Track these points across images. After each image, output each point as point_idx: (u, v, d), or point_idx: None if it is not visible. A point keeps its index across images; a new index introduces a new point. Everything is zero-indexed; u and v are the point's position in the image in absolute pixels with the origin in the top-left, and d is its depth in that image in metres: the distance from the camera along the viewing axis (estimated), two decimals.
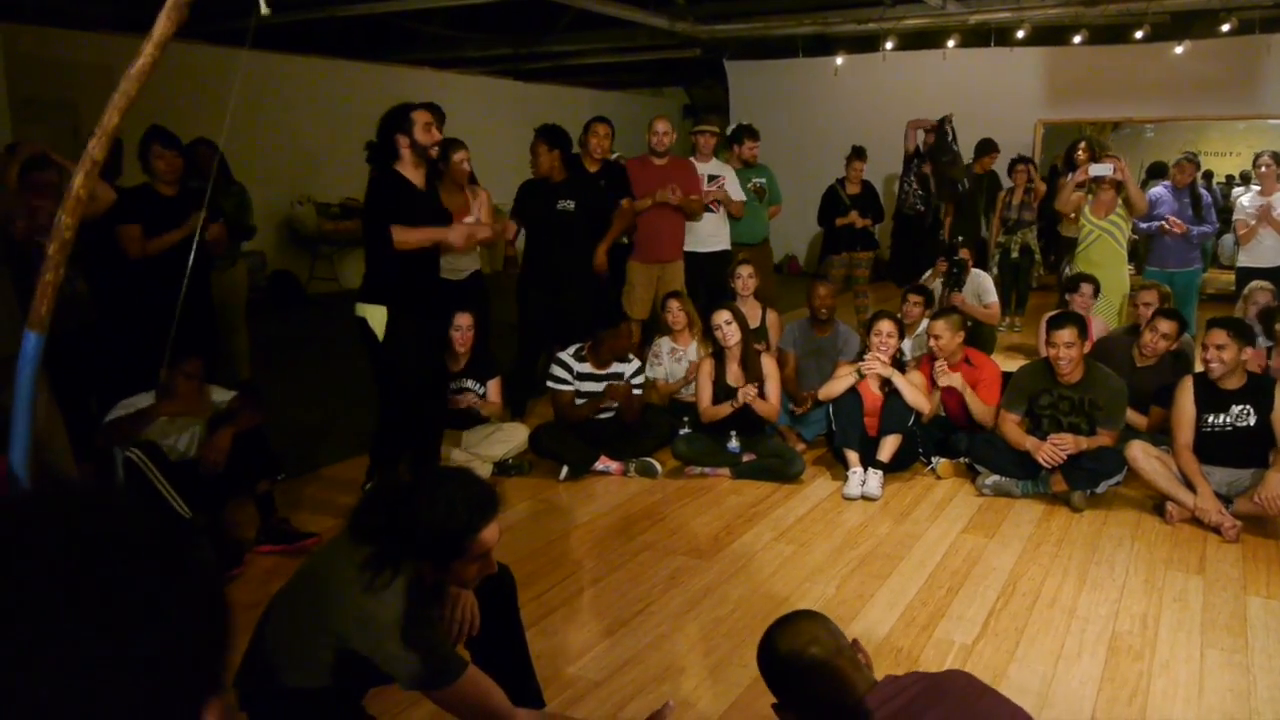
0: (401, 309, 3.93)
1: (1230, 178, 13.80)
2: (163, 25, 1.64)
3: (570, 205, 5.26)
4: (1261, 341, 5.06)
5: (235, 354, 5.87)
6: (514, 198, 5.57)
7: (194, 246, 3.53)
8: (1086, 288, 5.87)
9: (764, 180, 6.91)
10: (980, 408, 4.74)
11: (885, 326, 4.78)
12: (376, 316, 3.92)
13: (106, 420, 3.71)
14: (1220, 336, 4.09)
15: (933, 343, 4.83)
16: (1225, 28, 9.11)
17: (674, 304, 5.44)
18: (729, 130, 7.66)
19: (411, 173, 3.88)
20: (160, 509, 3.58)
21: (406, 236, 3.85)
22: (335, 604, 1.98)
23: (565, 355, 4.92)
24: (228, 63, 8.87)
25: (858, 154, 7.64)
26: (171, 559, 0.63)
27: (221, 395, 4.07)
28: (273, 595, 2.22)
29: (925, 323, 5.71)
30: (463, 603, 2.25)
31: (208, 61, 8.00)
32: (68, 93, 7.64)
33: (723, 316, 4.78)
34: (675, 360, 5.44)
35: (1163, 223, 6.70)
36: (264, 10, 2.06)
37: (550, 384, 4.93)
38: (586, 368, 4.90)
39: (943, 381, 4.78)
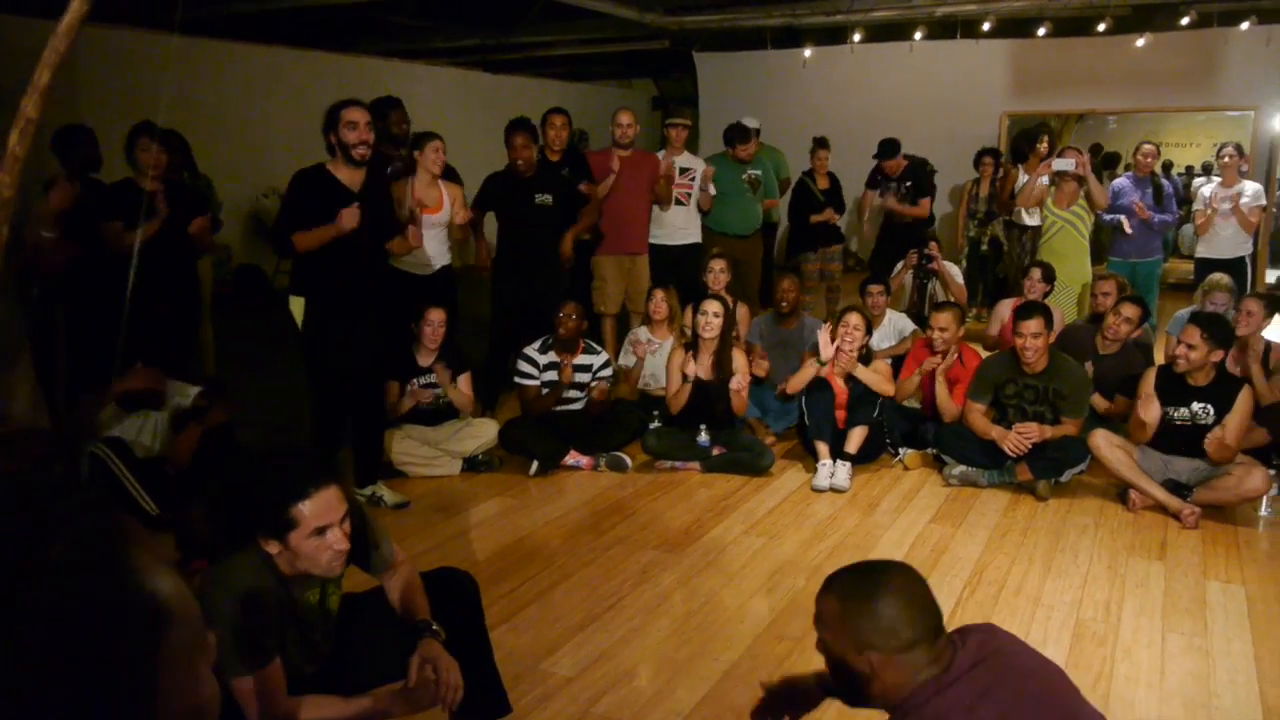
0: (322, 301, 3.93)
1: (1190, 168, 14.02)
2: None
3: (549, 199, 5.24)
4: None
5: (201, 348, 5.81)
6: (478, 189, 5.51)
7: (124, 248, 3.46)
8: (1035, 272, 5.89)
9: (759, 173, 6.81)
10: (948, 403, 4.79)
11: (853, 319, 4.81)
12: (297, 308, 3.96)
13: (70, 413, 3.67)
14: (1193, 335, 4.06)
15: (937, 334, 4.82)
16: (1185, 21, 9.24)
17: (659, 294, 5.46)
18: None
19: (342, 170, 3.87)
20: (125, 505, 3.52)
21: (303, 242, 3.85)
22: None
23: (531, 350, 4.92)
24: (187, 51, 8.76)
25: (820, 144, 7.59)
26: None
27: (186, 391, 4.03)
28: None
29: (889, 313, 5.78)
30: (444, 665, 2.04)
31: (152, 50, 7.89)
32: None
33: (713, 307, 4.79)
34: (650, 352, 5.44)
35: (1122, 216, 6.76)
36: None
37: (516, 379, 4.92)
38: (552, 357, 4.90)
39: (928, 366, 4.81)
